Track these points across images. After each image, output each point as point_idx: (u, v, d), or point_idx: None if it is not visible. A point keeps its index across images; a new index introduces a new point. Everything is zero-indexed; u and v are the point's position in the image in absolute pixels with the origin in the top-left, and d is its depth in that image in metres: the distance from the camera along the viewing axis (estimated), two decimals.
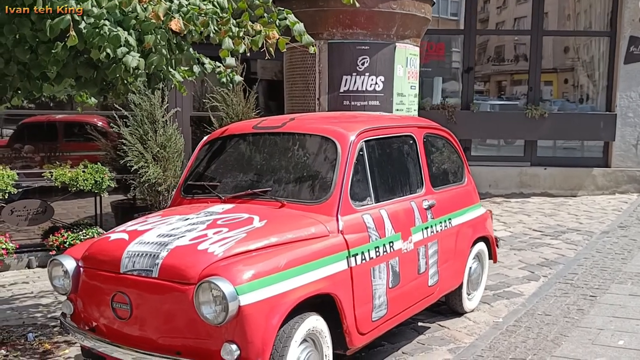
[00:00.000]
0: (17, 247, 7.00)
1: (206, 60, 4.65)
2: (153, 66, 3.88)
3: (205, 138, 4.03)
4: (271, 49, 3.70)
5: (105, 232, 3.32)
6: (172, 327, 2.81)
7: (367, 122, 3.73)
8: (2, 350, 4.37)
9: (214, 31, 3.79)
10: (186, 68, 4.70)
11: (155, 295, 2.82)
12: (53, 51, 3.74)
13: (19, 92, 4.20)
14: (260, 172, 3.62)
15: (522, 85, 10.07)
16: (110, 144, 8.56)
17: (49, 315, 5.24)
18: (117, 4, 3.44)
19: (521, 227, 7.51)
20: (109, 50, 3.55)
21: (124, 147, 7.30)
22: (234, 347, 2.66)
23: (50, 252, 7.18)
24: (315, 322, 2.99)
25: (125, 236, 3.10)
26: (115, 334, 2.96)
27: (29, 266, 7.15)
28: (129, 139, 7.14)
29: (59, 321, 4.75)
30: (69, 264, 3.18)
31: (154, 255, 2.87)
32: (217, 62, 4.79)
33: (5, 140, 9.07)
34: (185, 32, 3.59)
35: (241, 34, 3.68)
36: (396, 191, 3.72)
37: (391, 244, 3.50)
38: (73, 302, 3.23)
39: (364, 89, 6.26)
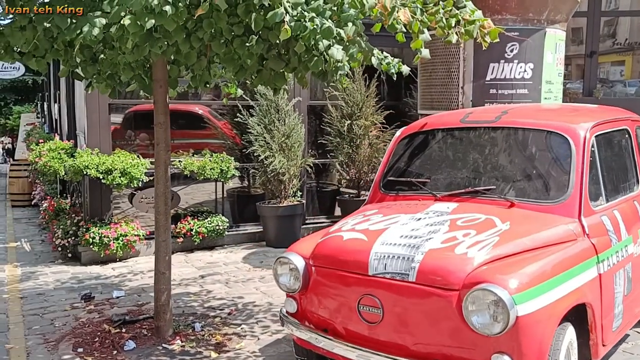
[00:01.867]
0: (148, 233, 7.08)
1: (375, 51, 4.49)
2: (352, 58, 3.74)
3: (399, 133, 3.86)
4: (486, 38, 3.49)
5: (330, 231, 3.19)
6: (430, 334, 2.67)
7: (590, 115, 3.48)
8: (178, 340, 4.37)
9: (419, 21, 3.59)
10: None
11: (411, 300, 2.69)
12: (247, 44, 3.66)
13: (207, 85, 4.16)
14: (476, 168, 3.43)
15: None
16: (223, 132, 8.57)
17: (205, 305, 5.24)
18: None
19: None
20: (320, 44, 3.42)
21: (250, 137, 7.26)
22: (506, 358, 2.50)
23: (178, 239, 7.24)
24: (572, 334, 2.80)
25: (361, 236, 2.97)
26: (359, 338, 2.84)
27: None
28: (257, 128, 7.09)
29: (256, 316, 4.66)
30: (299, 262, 3.08)
31: (408, 258, 2.72)
32: (383, 52, 4.62)
33: (113, 128, 9.21)
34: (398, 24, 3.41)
35: (452, 23, 3.48)
36: (620, 190, 3.47)
37: (626, 248, 3.26)
38: (296, 300, 3.15)
39: (512, 76, 5.95)
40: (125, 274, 6.41)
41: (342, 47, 3.59)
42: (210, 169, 7.14)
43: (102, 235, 6.66)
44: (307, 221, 7.73)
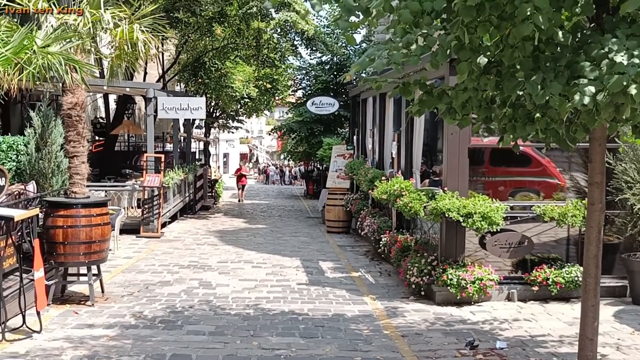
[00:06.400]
0: (502, 278, 6.99)
1: None
2: None
3: None
4: None
5: None
6: None
7: None
8: None
9: None
10: None
11: None
12: None
13: None
14: None
15: None
16: (550, 172, 8.12)
17: None
18: None
19: None
20: None
21: (616, 183, 6.70)
22: None
23: (532, 288, 6.98)
24: None
25: None
26: None
27: (508, 298, 7.05)
28: (631, 174, 6.48)
29: None
30: None
31: None
32: None
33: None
34: None
35: None
36: None
37: None
38: None
39: None
40: (490, 320, 6.36)
41: None
42: (572, 216, 6.75)
43: (460, 277, 6.75)
44: None
